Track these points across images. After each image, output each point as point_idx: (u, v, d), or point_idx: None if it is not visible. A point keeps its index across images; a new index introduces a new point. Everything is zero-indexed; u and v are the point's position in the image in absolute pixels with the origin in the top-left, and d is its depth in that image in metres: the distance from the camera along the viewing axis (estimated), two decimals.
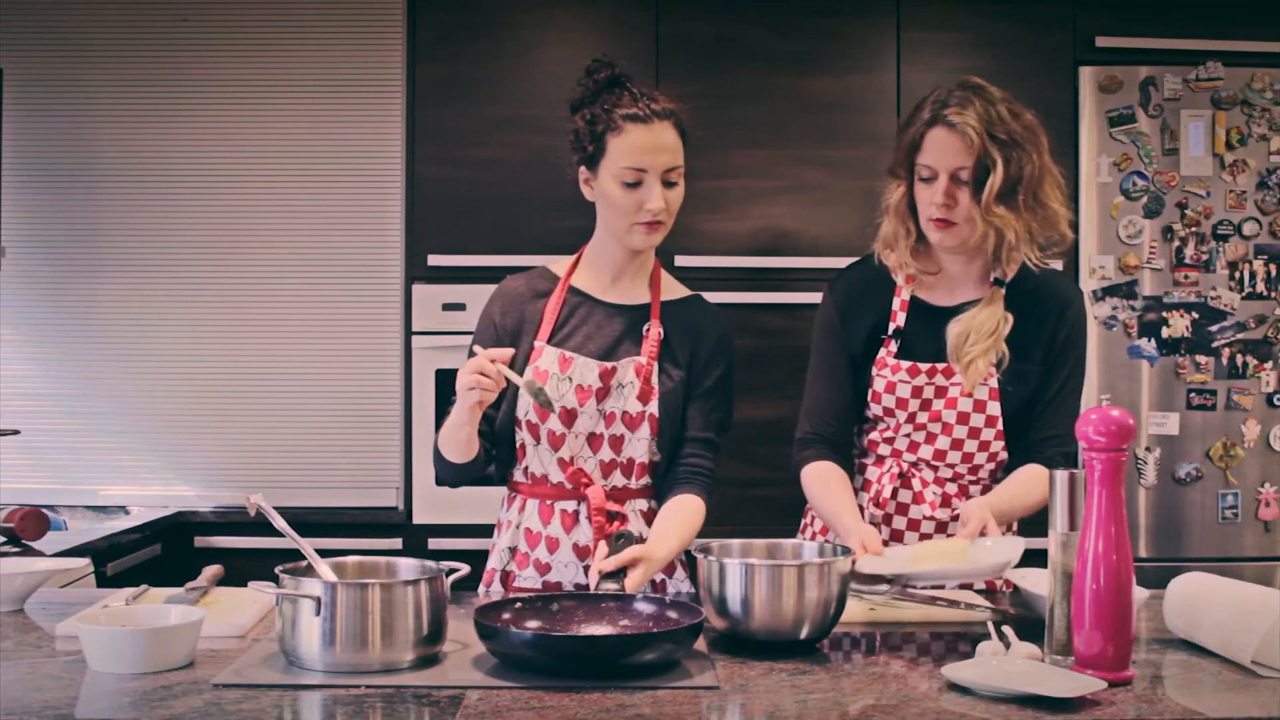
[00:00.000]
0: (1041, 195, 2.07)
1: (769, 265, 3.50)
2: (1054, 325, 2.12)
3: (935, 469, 2.15)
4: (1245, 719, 1.40)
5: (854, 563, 1.84)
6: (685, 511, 2.07)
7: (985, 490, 2.15)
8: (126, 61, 3.66)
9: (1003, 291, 2.11)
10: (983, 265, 2.15)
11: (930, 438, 2.13)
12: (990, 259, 2.13)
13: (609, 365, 2.10)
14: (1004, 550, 1.86)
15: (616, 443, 2.10)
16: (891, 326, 2.17)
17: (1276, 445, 3.48)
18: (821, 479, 2.14)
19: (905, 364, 2.13)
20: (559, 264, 2.23)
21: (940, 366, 2.12)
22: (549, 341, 2.13)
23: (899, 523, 2.15)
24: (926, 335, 2.14)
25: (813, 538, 2.26)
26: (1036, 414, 2.12)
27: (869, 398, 2.17)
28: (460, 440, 2.04)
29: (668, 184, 2.08)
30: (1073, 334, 2.14)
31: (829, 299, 2.25)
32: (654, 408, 2.11)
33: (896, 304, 2.18)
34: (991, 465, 2.15)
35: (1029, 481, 2.06)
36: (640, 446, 2.11)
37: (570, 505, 2.11)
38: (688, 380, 2.15)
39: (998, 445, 2.12)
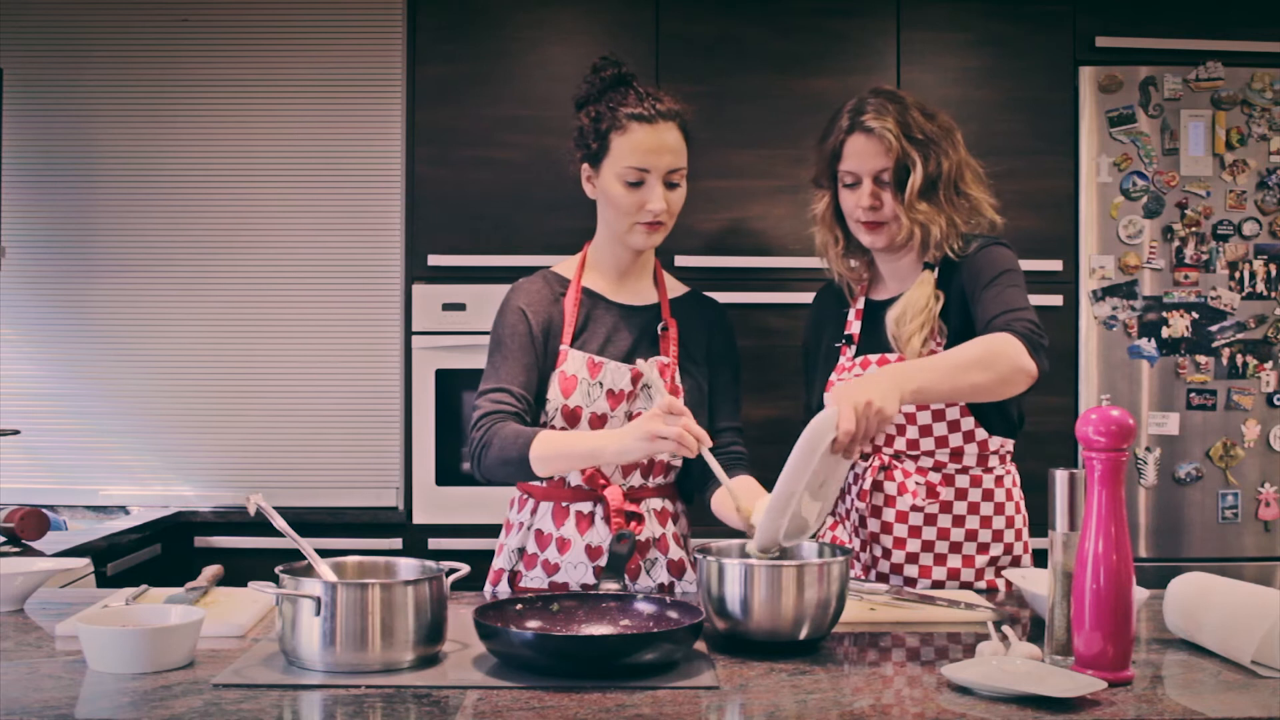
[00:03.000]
0: (963, 187, 2.17)
1: (769, 265, 3.51)
2: (961, 279, 2.13)
3: (915, 459, 2.17)
4: (1245, 719, 1.40)
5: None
6: (756, 486, 2.11)
7: (975, 482, 2.16)
8: (126, 61, 3.66)
9: (933, 274, 2.17)
10: (914, 258, 2.21)
11: (900, 428, 2.16)
12: (920, 252, 2.20)
13: (637, 368, 2.10)
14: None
15: None
16: (845, 334, 2.26)
17: (1276, 445, 3.48)
18: None
19: (857, 360, 2.21)
20: (562, 265, 2.24)
21: (892, 356, 2.16)
22: (571, 344, 2.13)
23: (888, 514, 2.17)
24: (876, 330, 2.21)
25: (835, 540, 2.27)
26: (979, 313, 2.08)
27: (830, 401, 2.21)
28: (579, 466, 2.02)
29: (670, 185, 2.10)
30: (978, 263, 2.11)
31: (805, 323, 2.41)
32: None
33: (852, 314, 2.28)
34: (974, 448, 2.15)
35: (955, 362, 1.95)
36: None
37: (586, 506, 2.10)
38: (709, 374, 2.18)
39: (969, 423, 2.14)
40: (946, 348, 2.13)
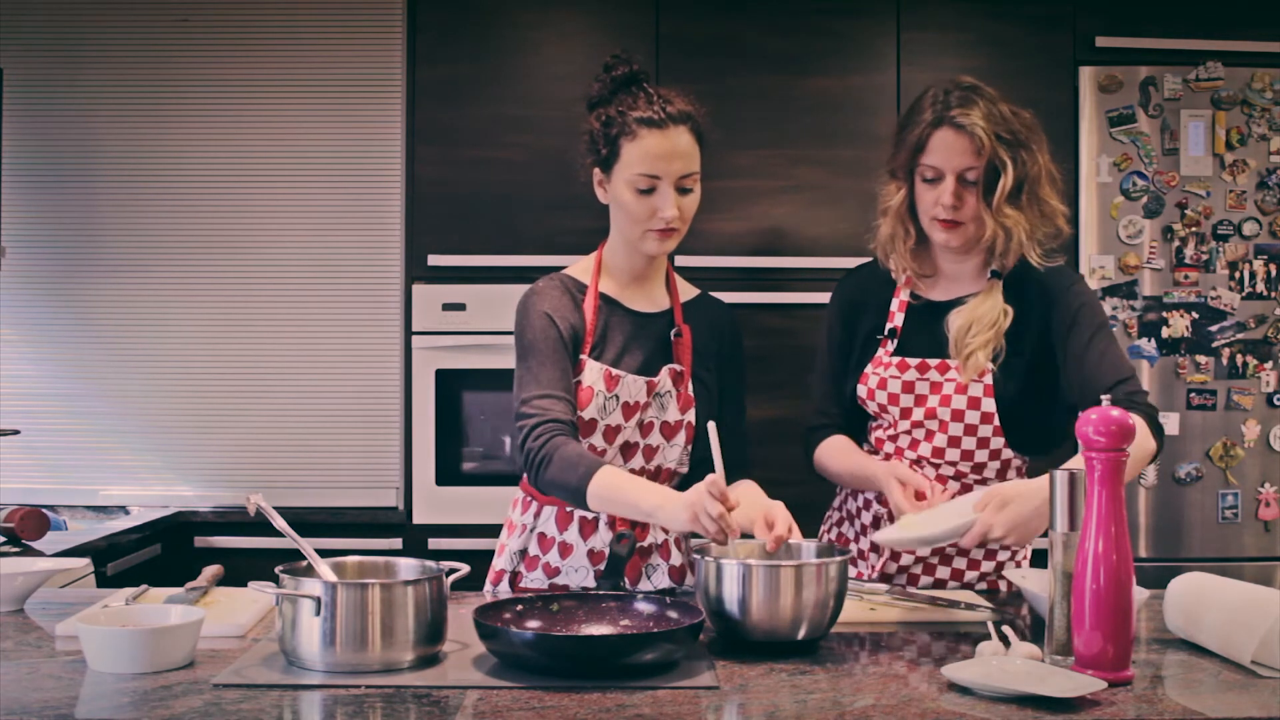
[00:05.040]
0: (1041, 193, 2.08)
1: (769, 265, 3.51)
2: (1043, 315, 2.09)
3: (937, 466, 2.14)
4: (1245, 719, 1.40)
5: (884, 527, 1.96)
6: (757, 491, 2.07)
7: None
8: (126, 61, 3.66)
9: (1000, 283, 2.11)
10: (980, 261, 2.14)
11: (929, 435, 2.13)
12: (987, 255, 2.12)
13: (654, 379, 2.08)
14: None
15: (650, 452, 2.09)
16: (888, 326, 2.18)
17: (1276, 445, 3.48)
18: (832, 448, 2.19)
19: (896, 360, 2.14)
20: (575, 269, 2.18)
21: (934, 362, 2.11)
22: (588, 354, 2.09)
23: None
24: (924, 331, 2.14)
25: (840, 541, 2.25)
26: (1086, 373, 2.03)
27: (864, 395, 2.17)
28: (632, 518, 1.98)
29: (682, 190, 2.05)
30: (1075, 303, 2.07)
31: (834, 299, 2.28)
32: (691, 415, 2.10)
33: (895, 304, 2.19)
34: (996, 464, 2.13)
35: None
36: (673, 454, 2.10)
37: (590, 512, 2.09)
38: (719, 381, 2.16)
39: (998, 442, 2.11)
40: (1002, 364, 2.07)
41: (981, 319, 2.08)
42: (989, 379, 2.08)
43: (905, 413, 2.13)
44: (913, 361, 2.13)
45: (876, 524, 2.18)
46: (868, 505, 2.21)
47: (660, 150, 2.02)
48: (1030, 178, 2.05)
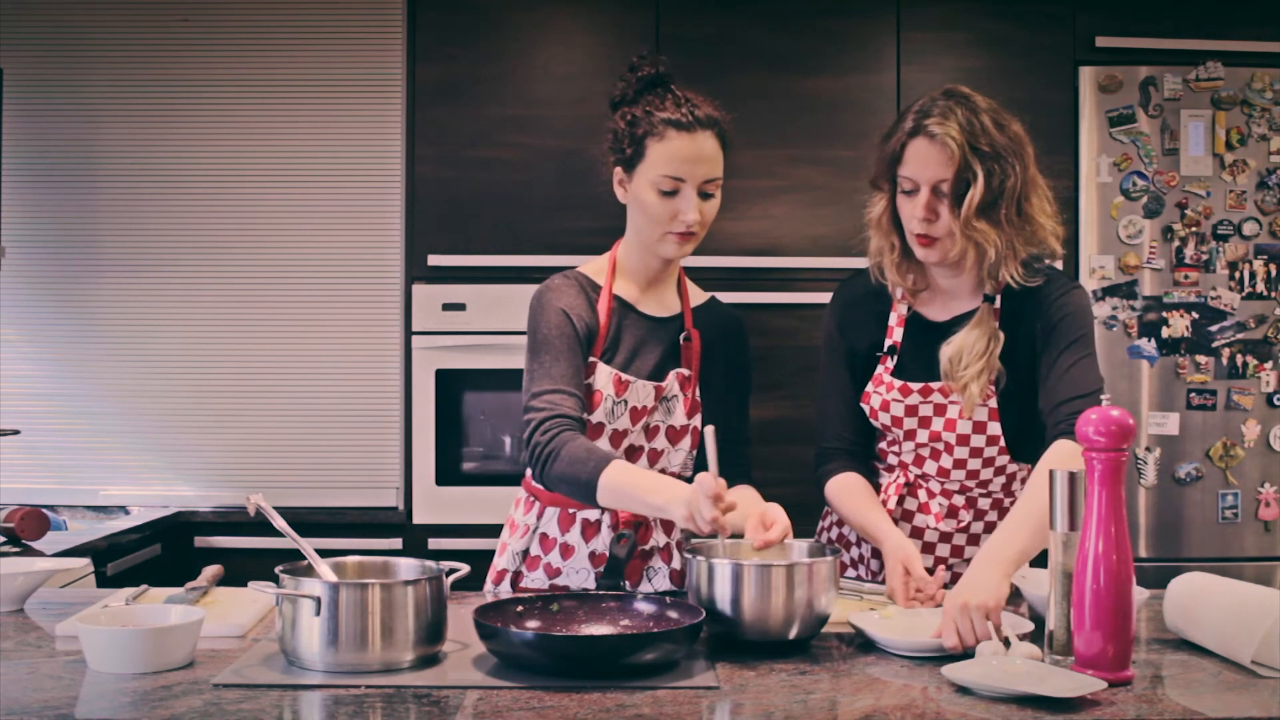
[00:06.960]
0: (1026, 209, 2.01)
1: (769, 265, 3.50)
2: (1032, 327, 2.04)
3: (942, 483, 2.12)
4: (1245, 719, 1.40)
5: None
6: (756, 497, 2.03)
7: (995, 505, 2.12)
8: (126, 61, 3.66)
9: (994, 307, 2.06)
10: (974, 278, 2.08)
11: (935, 454, 2.10)
12: (979, 271, 2.07)
13: (662, 384, 2.07)
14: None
15: (655, 455, 2.08)
16: (887, 343, 2.13)
17: (1276, 445, 3.48)
18: (845, 491, 2.13)
19: (898, 383, 2.09)
20: (589, 267, 2.16)
21: (936, 386, 2.06)
22: (599, 357, 2.07)
23: (904, 530, 2.12)
24: (923, 351, 2.10)
25: (841, 541, 2.25)
26: (1045, 390, 2.01)
27: (867, 412, 2.14)
28: (642, 514, 1.97)
29: (704, 195, 2.03)
30: (1062, 312, 2.03)
31: (828, 313, 2.22)
32: (698, 420, 2.10)
33: (894, 319, 2.14)
34: (1001, 479, 2.11)
35: (1039, 520, 1.82)
36: (677, 459, 2.10)
37: (593, 514, 2.07)
38: (724, 385, 2.15)
39: (1003, 460, 2.09)
40: (1002, 388, 2.03)
41: (971, 348, 2.03)
42: (993, 403, 2.05)
43: (910, 435, 2.10)
44: (915, 386, 2.08)
45: None
46: None
47: (686, 153, 2.01)
48: (1008, 192, 1.97)
